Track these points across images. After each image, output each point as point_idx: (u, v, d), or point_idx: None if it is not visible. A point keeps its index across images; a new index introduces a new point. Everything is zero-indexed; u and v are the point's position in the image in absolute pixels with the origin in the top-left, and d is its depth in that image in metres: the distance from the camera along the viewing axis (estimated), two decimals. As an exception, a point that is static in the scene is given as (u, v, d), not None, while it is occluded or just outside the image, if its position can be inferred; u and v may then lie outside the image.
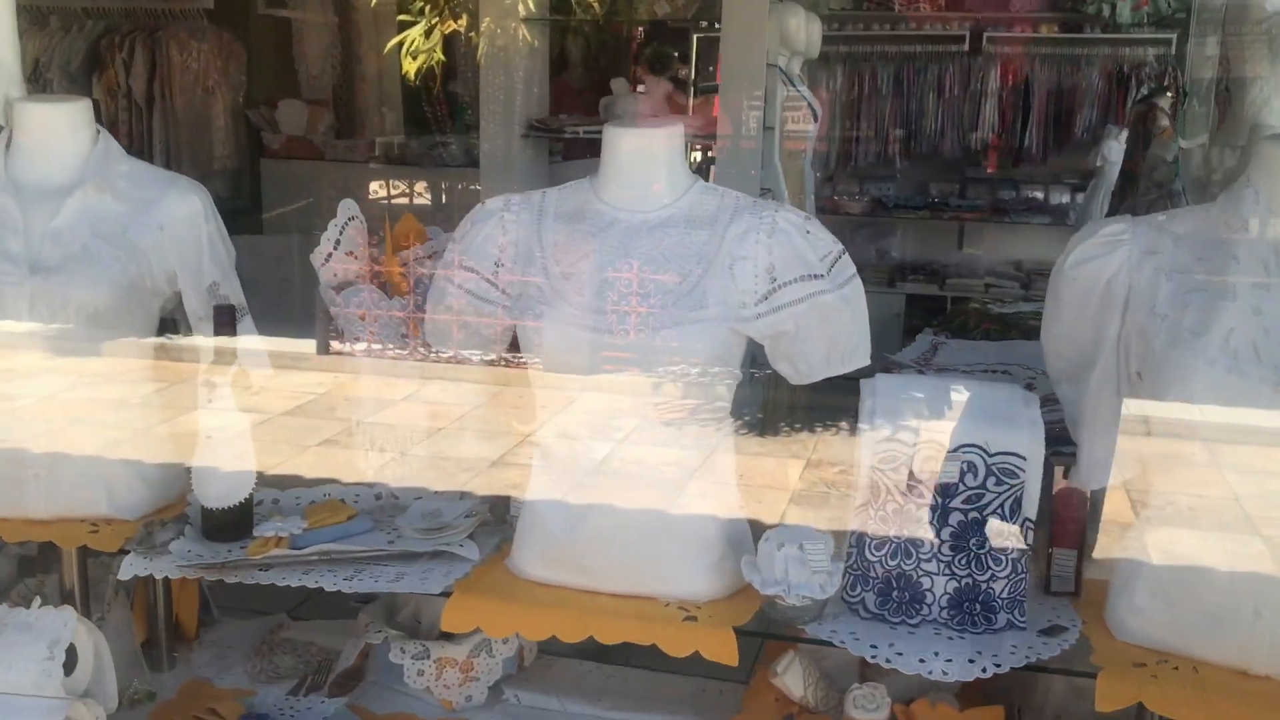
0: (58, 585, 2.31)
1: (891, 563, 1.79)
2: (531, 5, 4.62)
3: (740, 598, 1.85)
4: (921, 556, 1.79)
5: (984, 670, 1.69)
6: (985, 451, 1.73)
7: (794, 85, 4.46)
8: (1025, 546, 1.76)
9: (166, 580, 2.08)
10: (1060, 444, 1.91)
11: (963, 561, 1.78)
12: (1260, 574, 1.64)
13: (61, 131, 2.07)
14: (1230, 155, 4.66)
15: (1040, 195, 6.39)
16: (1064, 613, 1.84)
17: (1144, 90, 5.70)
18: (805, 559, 1.74)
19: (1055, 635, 1.76)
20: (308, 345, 2.17)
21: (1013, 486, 1.74)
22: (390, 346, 2.08)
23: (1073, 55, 6.08)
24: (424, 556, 1.99)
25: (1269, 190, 1.66)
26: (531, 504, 1.91)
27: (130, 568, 1.98)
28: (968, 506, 1.75)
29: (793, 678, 2.03)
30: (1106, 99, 6.02)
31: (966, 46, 6.18)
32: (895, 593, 1.80)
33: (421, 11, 5.36)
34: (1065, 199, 6.34)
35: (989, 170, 6.44)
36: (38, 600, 1.91)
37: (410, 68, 5.49)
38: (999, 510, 1.75)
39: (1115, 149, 5.59)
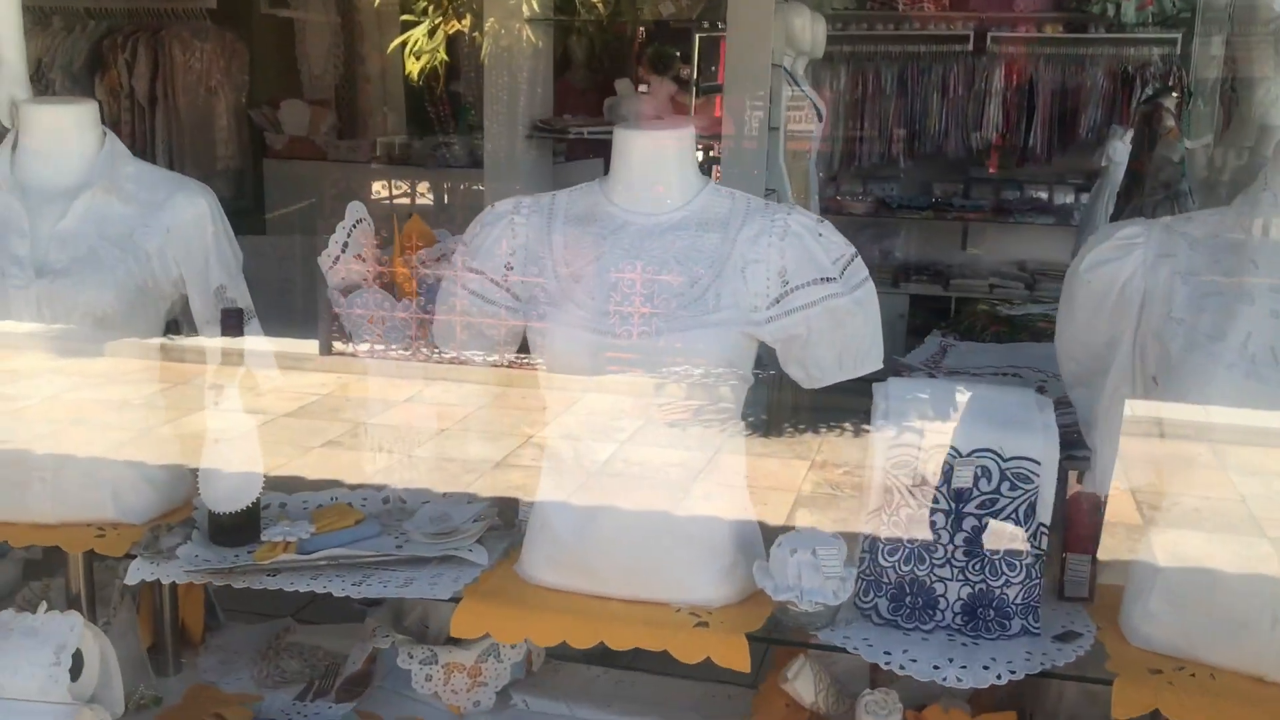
0: (63, 589, 2.30)
1: (904, 568, 1.78)
2: (535, 5, 4.60)
3: (752, 603, 1.84)
4: (935, 562, 1.77)
5: (998, 677, 1.67)
6: (999, 456, 1.72)
7: (798, 85, 4.45)
8: (1027, 549, 1.75)
9: (173, 585, 2.07)
10: (1073, 448, 1.89)
11: (976, 567, 1.76)
12: (1277, 579, 1.63)
13: (68, 133, 2.06)
14: (1237, 156, 4.65)
15: (1044, 195, 6.39)
16: (1078, 618, 1.82)
17: (1149, 90, 5.69)
18: (818, 565, 1.72)
19: (1070, 641, 1.75)
20: (310, 346, 2.16)
21: (1027, 491, 1.73)
22: (395, 347, 2.07)
23: (1077, 55, 6.07)
24: (433, 561, 1.98)
25: (1288, 193, 1.65)
26: (541, 508, 1.90)
27: (137, 573, 1.97)
28: (981, 511, 1.74)
29: (803, 683, 2.01)
30: (1111, 99, 6.01)
31: (971, 46, 6.18)
32: (908, 598, 1.79)
33: (425, 11, 5.35)
34: (1069, 199, 6.33)
35: (991, 170, 6.44)
36: (43, 605, 1.90)
37: (413, 68, 5.48)
38: (1013, 515, 1.73)
39: (1120, 149, 5.58)
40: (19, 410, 2.17)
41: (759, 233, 1.80)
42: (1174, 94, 5.22)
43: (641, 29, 5.87)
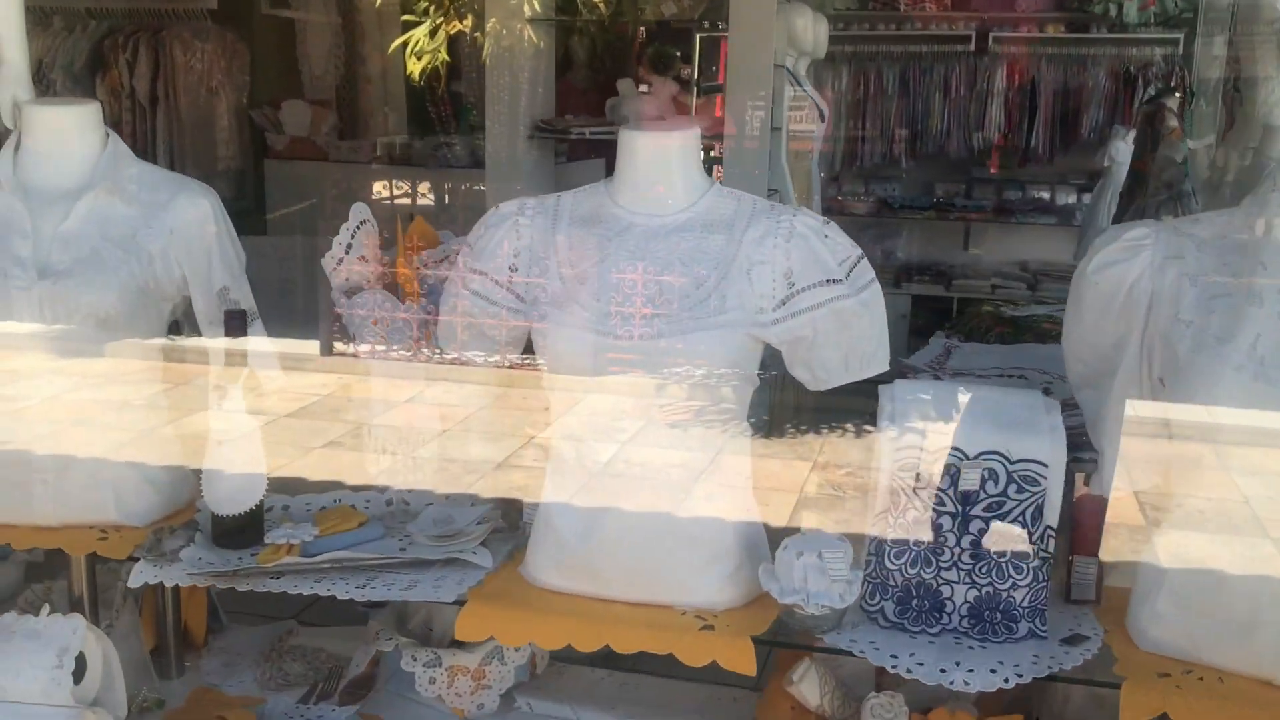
0: (65, 591, 2.29)
1: (911, 571, 1.77)
2: (537, 6, 4.60)
3: (757, 606, 1.83)
4: (941, 565, 1.77)
5: (1006, 680, 1.66)
6: (1006, 459, 1.71)
7: (801, 85, 4.44)
8: (1031, 550, 1.74)
9: (176, 587, 2.06)
10: (1079, 450, 1.89)
11: (983, 570, 1.76)
12: (1285, 582, 1.63)
13: (71, 134, 2.05)
14: (1241, 156, 4.64)
15: (1046, 196, 6.38)
16: (1085, 621, 1.82)
17: (1151, 90, 5.69)
18: (824, 568, 1.72)
19: (1077, 644, 1.74)
20: (311, 347, 2.15)
21: (1034, 494, 1.72)
22: (396, 348, 2.06)
23: (1079, 55, 6.07)
24: (436, 564, 1.97)
25: (1298, 195, 1.64)
26: (545, 511, 1.89)
27: (140, 576, 1.96)
28: (988, 514, 1.73)
29: (809, 686, 2.01)
30: (1113, 99, 6.01)
31: (972, 46, 6.17)
32: (915, 601, 1.78)
33: (426, 12, 5.35)
34: (1071, 199, 6.32)
35: (992, 170, 6.43)
36: (46, 608, 1.89)
37: (414, 68, 5.48)
38: (1020, 518, 1.73)
39: (1122, 149, 5.58)
40: (21, 412, 2.16)
41: (764, 234, 1.79)
42: (1177, 94, 5.21)
43: (642, 29, 5.86)
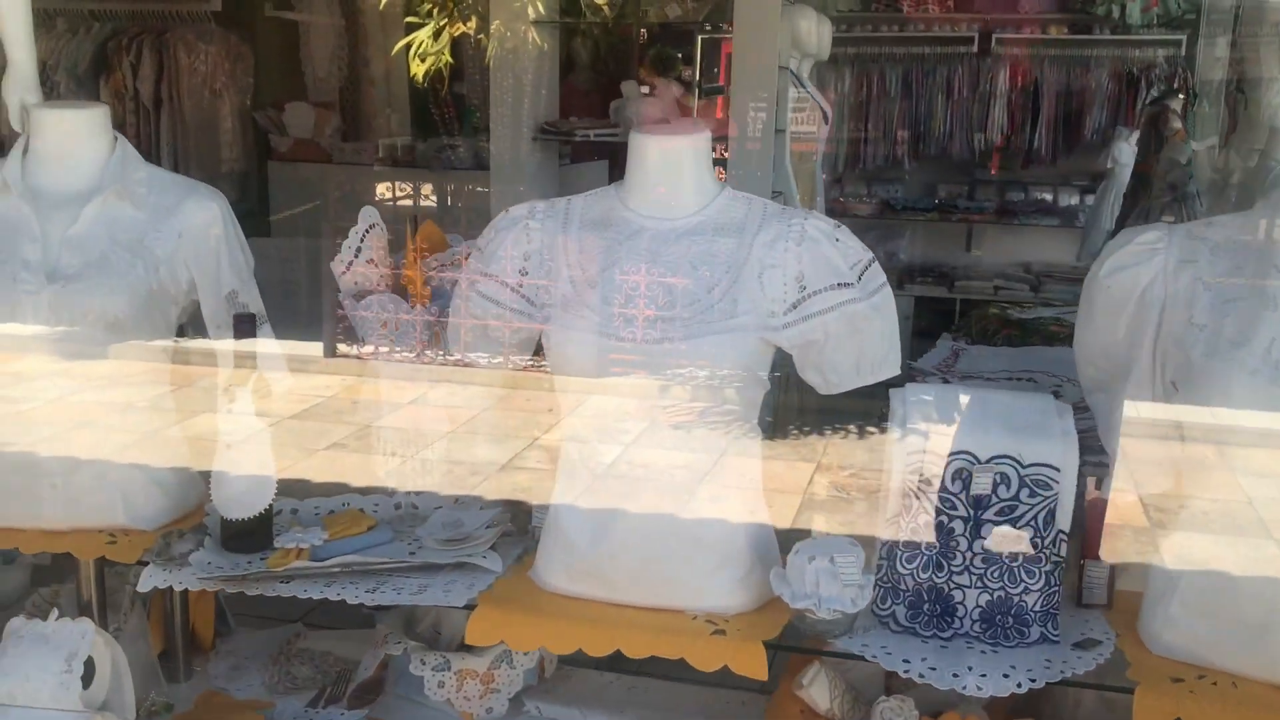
0: (73, 595, 2.29)
1: (923, 575, 1.77)
2: (541, 8, 4.60)
3: (768, 610, 1.83)
4: (953, 569, 1.76)
5: (1019, 685, 1.66)
6: (1019, 463, 1.71)
7: (804, 87, 4.44)
8: (1035, 552, 1.73)
9: (184, 591, 2.05)
10: (1090, 453, 1.88)
11: (995, 574, 1.75)
12: (1300, 586, 1.62)
13: (79, 138, 2.05)
14: (1245, 158, 4.64)
15: (1049, 197, 6.38)
16: (1096, 625, 1.81)
17: (1154, 92, 5.68)
18: (836, 572, 1.71)
19: (1089, 649, 1.74)
20: (315, 348, 2.15)
21: (1046, 498, 1.72)
22: (400, 350, 2.06)
23: (1082, 56, 6.06)
24: (446, 568, 1.96)
25: (1314, 199, 1.64)
26: (556, 515, 1.89)
27: (149, 580, 1.96)
28: (1000, 518, 1.73)
29: (819, 690, 2.00)
30: (1116, 100, 6.00)
31: (975, 48, 6.16)
32: (926, 605, 1.78)
33: (429, 14, 5.34)
34: (1074, 201, 6.32)
35: (992, 172, 6.43)
36: (54, 612, 1.89)
37: (418, 70, 5.48)
38: (1032, 522, 1.72)
39: (1126, 151, 5.58)
40: (29, 415, 2.16)
41: (776, 238, 1.79)
42: (1180, 96, 5.21)
43: (644, 31, 5.86)
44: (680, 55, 5.80)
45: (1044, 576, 1.75)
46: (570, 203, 1.90)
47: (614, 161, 5.45)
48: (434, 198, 5.77)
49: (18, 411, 2.18)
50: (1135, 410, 1.80)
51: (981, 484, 1.72)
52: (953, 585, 1.77)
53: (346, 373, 2.57)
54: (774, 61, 4.06)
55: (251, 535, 2.00)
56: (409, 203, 5.80)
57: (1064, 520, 1.73)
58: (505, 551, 2.01)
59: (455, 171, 5.54)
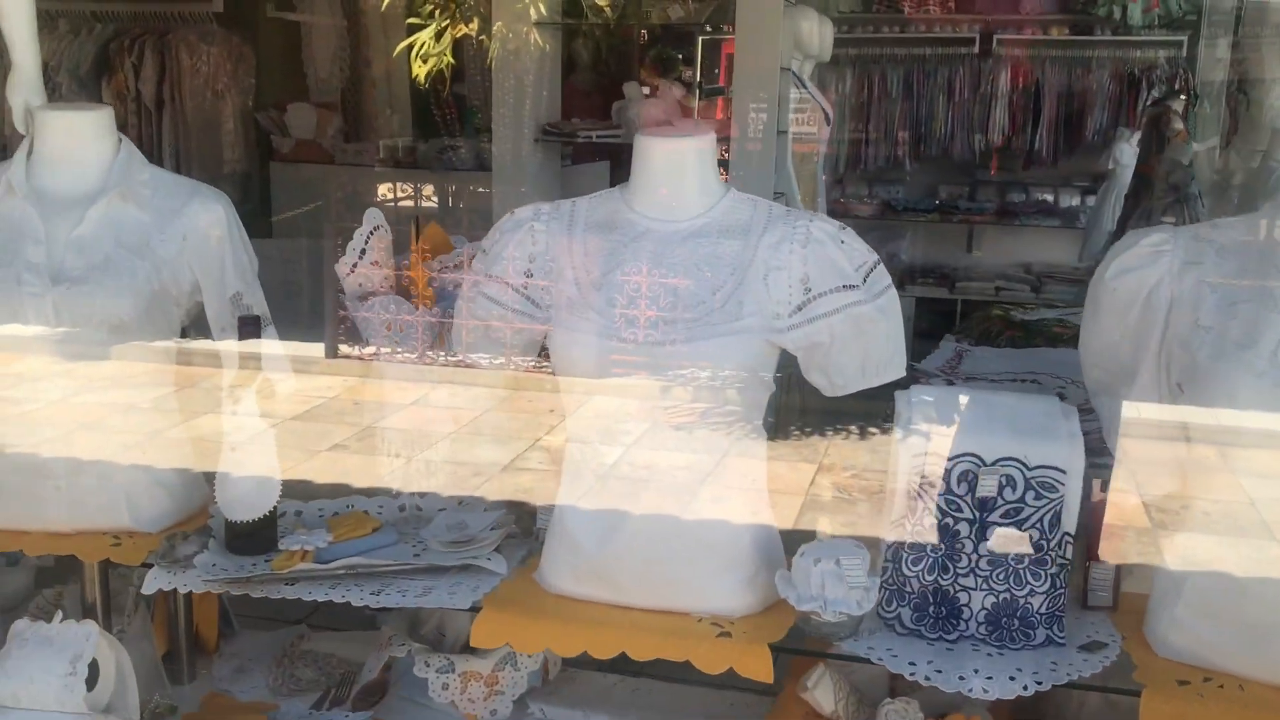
0: (76, 596, 2.28)
1: (928, 577, 1.77)
2: (543, 9, 4.60)
3: (774, 612, 1.82)
4: (959, 571, 1.76)
5: (1025, 688, 1.66)
6: (1024, 465, 1.71)
7: (806, 89, 4.44)
8: (1034, 553, 1.73)
9: (188, 592, 2.05)
10: (1095, 455, 1.88)
11: (1001, 576, 1.75)
12: (1306, 589, 1.62)
13: (84, 140, 2.05)
14: (1247, 159, 4.64)
15: (1050, 198, 6.38)
16: (1102, 628, 1.81)
17: (1155, 93, 5.68)
18: (842, 574, 1.71)
19: (1095, 651, 1.74)
20: (316, 349, 2.15)
21: (1052, 500, 1.72)
22: (401, 351, 2.06)
23: (1083, 57, 6.06)
24: (451, 570, 1.96)
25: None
26: (560, 518, 1.89)
27: (154, 582, 1.96)
28: (1006, 521, 1.73)
29: (823, 692, 2.00)
30: (1117, 101, 6.00)
31: (976, 49, 6.16)
32: (932, 608, 1.78)
33: (431, 15, 5.34)
34: (1075, 202, 6.32)
35: (992, 172, 6.43)
36: (59, 614, 1.89)
37: (420, 71, 5.47)
38: (1038, 524, 1.72)
39: (1127, 152, 5.58)
40: (32, 416, 2.16)
41: (781, 240, 1.79)
42: (1181, 97, 5.21)
43: (644, 32, 5.86)
44: (680, 56, 5.80)
45: (1050, 579, 1.75)
46: (575, 205, 1.90)
47: (616, 163, 5.46)
48: (435, 198, 5.77)
49: (21, 413, 2.18)
50: (1140, 411, 1.80)
51: (987, 486, 1.72)
52: (958, 587, 1.77)
53: (348, 374, 2.57)
54: (776, 63, 4.06)
55: (256, 537, 2.00)
56: (409, 203, 5.80)
57: (1069, 523, 1.73)
58: (510, 554, 2.01)
59: (456, 172, 5.54)
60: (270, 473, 2.02)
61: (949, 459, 1.73)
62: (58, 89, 5.37)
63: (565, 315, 1.83)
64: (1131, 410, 1.83)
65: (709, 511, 1.83)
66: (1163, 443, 1.79)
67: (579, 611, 1.85)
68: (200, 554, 1.98)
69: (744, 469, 1.87)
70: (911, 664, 1.71)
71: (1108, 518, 1.87)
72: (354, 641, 2.46)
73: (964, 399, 1.84)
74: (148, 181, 2.08)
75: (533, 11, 4.55)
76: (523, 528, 2.09)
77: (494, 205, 4.72)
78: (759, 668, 1.74)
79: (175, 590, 1.99)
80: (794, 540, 1.91)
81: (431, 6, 5.25)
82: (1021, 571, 1.75)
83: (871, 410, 1.98)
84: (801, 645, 1.81)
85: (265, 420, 2.13)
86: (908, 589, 1.78)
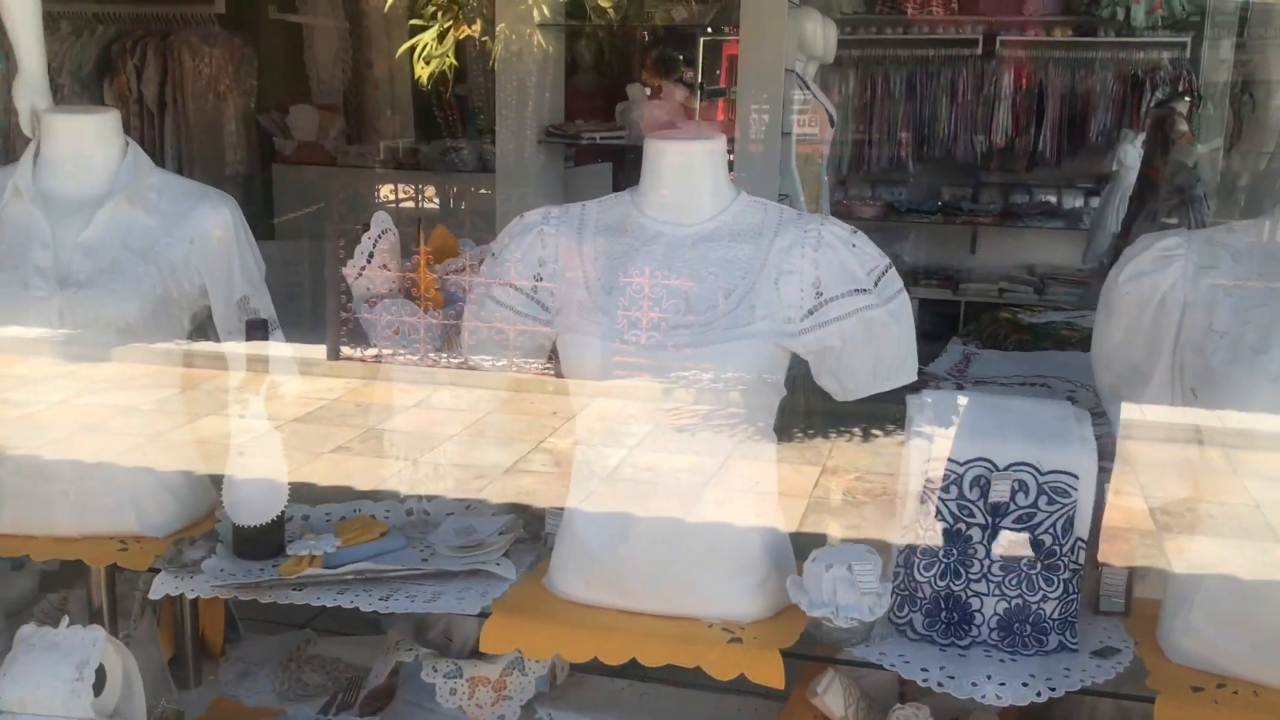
0: (82, 601, 2.28)
1: (940, 583, 1.76)
2: (547, 11, 4.59)
3: (784, 618, 1.82)
4: (971, 577, 1.75)
5: (1038, 694, 1.65)
6: (1037, 470, 1.70)
7: (809, 90, 4.43)
8: (1032, 554, 1.72)
9: (194, 597, 2.04)
10: (1107, 460, 1.87)
11: (1013, 582, 1.74)
12: (1321, 595, 1.61)
13: (91, 143, 2.05)
14: (1254, 161, 4.63)
15: (1053, 199, 6.38)
16: (1115, 633, 1.80)
17: (1159, 94, 5.68)
18: (854, 580, 1.70)
19: (1108, 657, 1.73)
20: (319, 351, 2.14)
21: (1065, 505, 1.71)
22: (403, 352, 2.05)
23: (1086, 59, 6.06)
24: (459, 575, 1.95)
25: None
26: (570, 523, 1.88)
27: (162, 587, 1.94)
28: (1018, 526, 1.72)
29: (833, 697, 1.99)
30: (1121, 103, 6.00)
31: (979, 50, 6.16)
32: (944, 614, 1.77)
33: (434, 16, 5.32)
34: (1079, 203, 6.32)
35: (995, 174, 6.43)
36: (65, 619, 1.88)
37: (422, 73, 5.46)
38: (1050, 529, 1.71)
39: (1131, 153, 5.58)
40: (37, 419, 2.15)
41: (792, 244, 1.78)
42: (1186, 98, 5.21)
43: (646, 33, 5.86)
44: (681, 57, 5.79)
45: (1062, 584, 1.74)
46: (585, 208, 1.89)
47: (619, 164, 5.45)
48: (437, 200, 5.76)
49: (27, 415, 2.17)
50: (1151, 415, 1.79)
51: (1000, 491, 1.71)
52: (970, 593, 1.76)
53: (350, 375, 2.56)
54: (779, 64, 4.05)
55: (263, 542, 1.99)
56: (411, 205, 5.79)
57: (1082, 528, 1.72)
58: (518, 558, 2.00)
59: (459, 174, 5.53)
60: (278, 477, 2.01)
61: (961, 464, 1.72)
62: (60, 91, 5.36)
63: (575, 319, 1.82)
64: (1142, 414, 1.82)
65: (719, 516, 1.82)
66: (1175, 446, 1.79)
67: (588, 617, 1.84)
68: (207, 559, 1.97)
69: (754, 473, 1.86)
70: (924, 670, 1.70)
71: (1112, 520, 1.86)
72: (361, 646, 2.45)
73: (976, 404, 1.83)
74: (155, 185, 2.07)
75: (536, 13, 4.54)
76: (531, 532, 2.08)
77: (497, 207, 4.72)
78: (770, 673, 1.73)
79: (181, 595, 1.97)
80: (798, 543, 1.90)
81: (434, 8, 5.23)
82: (1034, 577, 1.74)
83: (873, 413, 1.98)
84: (812, 651, 1.80)
85: (271, 424, 2.12)
86: (919, 594, 1.77)
